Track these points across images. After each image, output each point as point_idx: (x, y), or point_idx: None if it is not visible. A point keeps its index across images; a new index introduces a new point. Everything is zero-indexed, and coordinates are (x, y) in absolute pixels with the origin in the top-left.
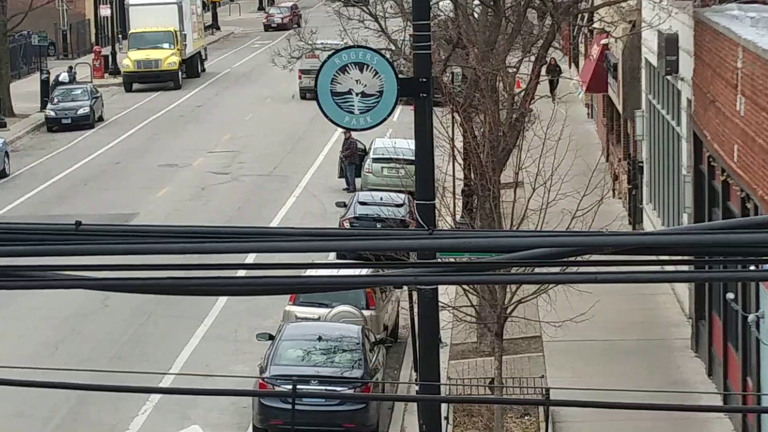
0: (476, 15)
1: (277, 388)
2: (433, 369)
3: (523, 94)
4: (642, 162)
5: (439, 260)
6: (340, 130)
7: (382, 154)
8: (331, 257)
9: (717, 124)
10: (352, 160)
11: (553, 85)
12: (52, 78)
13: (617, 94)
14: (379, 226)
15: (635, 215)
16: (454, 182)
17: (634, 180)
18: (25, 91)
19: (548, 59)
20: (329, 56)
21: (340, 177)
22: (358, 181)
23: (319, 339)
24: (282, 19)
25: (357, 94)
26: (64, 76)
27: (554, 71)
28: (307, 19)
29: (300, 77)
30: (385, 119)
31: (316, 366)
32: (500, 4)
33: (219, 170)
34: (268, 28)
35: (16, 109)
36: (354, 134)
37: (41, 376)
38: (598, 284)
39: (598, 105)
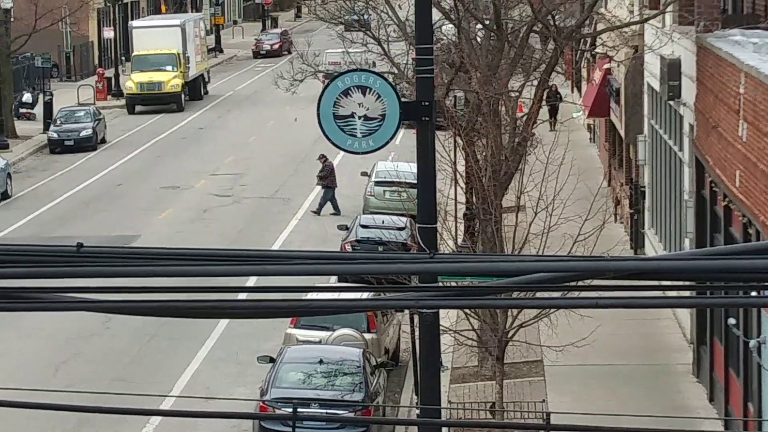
0: (479, 39)
1: (277, 411)
2: (433, 393)
3: (525, 118)
4: (644, 187)
5: (441, 284)
6: (341, 154)
7: (384, 178)
8: (333, 281)
9: (719, 150)
10: (329, 183)
11: (553, 112)
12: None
13: (619, 119)
14: (380, 249)
15: (637, 240)
16: (456, 206)
17: (636, 205)
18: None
19: (549, 86)
20: (332, 79)
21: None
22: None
23: (320, 362)
24: (271, 46)
25: (359, 118)
26: (27, 97)
27: (554, 98)
28: (311, 42)
29: (323, 81)
30: (387, 143)
31: (317, 389)
32: (503, 28)
33: (221, 192)
34: (257, 55)
35: (19, 130)
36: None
37: (42, 398)
38: (599, 309)
39: (600, 129)
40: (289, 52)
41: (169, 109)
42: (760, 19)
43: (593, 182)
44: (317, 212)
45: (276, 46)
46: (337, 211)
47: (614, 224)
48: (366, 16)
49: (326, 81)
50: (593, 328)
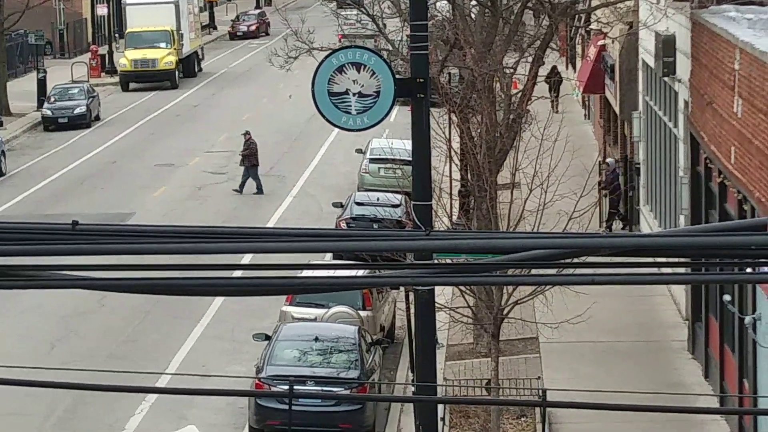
0: (473, 16)
1: (273, 389)
2: (429, 370)
3: (519, 95)
4: (639, 163)
5: (436, 261)
6: (335, 130)
7: (379, 155)
8: (328, 258)
9: (714, 126)
10: (252, 161)
11: (552, 88)
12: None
13: (614, 95)
14: (375, 226)
15: (632, 217)
16: (450, 183)
17: (631, 182)
18: (21, 90)
19: (550, 67)
20: (326, 56)
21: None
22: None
23: (316, 339)
24: (248, 27)
25: (354, 95)
26: None
27: (555, 78)
28: (305, 19)
29: (340, 39)
30: (382, 119)
31: (312, 366)
32: (497, 4)
33: (215, 170)
34: (234, 36)
35: (13, 108)
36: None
37: (38, 376)
38: (594, 285)
39: (595, 106)
40: (267, 34)
41: (163, 87)
42: None
43: (588, 159)
44: (239, 191)
45: (253, 28)
46: (259, 191)
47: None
48: None
49: (342, 40)
50: (588, 305)
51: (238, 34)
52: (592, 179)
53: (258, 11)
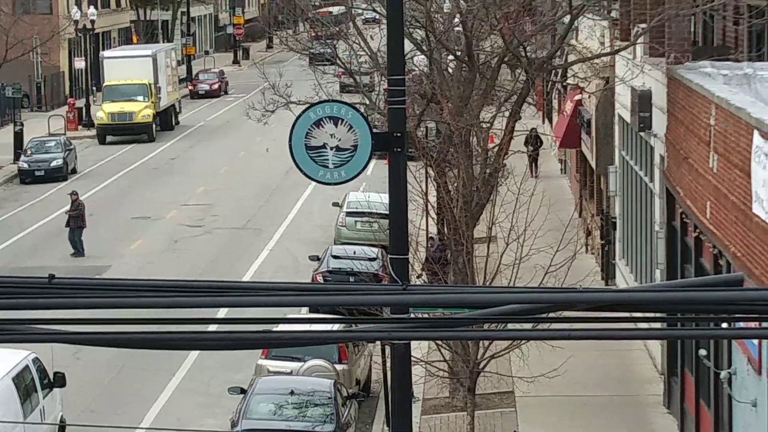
0: (450, 70)
1: None
2: (405, 424)
3: (496, 149)
4: (615, 218)
5: (412, 315)
6: (312, 184)
7: (356, 208)
8: (304, 311)
9: (690, 181)
10: (79, 223)
11: (532, 158)
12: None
13: (590, 150)
14: (352, 279)
15: (608, 271)
16: (427, 237)
17: (607, 236)
18: None
19: (529, 130)
20: (304, 110)
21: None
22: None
23: (291, 393)
24: (210, 86)
25: (331, 148)
26: None
27: (535, 143)
28: (282, 73)
29: (340, 76)
30: (359, 173)
31: (288, 420)
32: (474, 59)
33: (192, 223)
34: (194, 95)
35: None
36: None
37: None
38: (571, 340)
39: (571, 160)
40: (227, 93)
41: (140, 140)
42: (730, 51)
43: (564, 213)
44: (78, 254)
45: (215, 86)
46: (81, 252)
47: (585, 255)
48: (333, 49)
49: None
50: (564, 359)
51: (200, 92)
52: (569, 233)
53: (218, 70)
